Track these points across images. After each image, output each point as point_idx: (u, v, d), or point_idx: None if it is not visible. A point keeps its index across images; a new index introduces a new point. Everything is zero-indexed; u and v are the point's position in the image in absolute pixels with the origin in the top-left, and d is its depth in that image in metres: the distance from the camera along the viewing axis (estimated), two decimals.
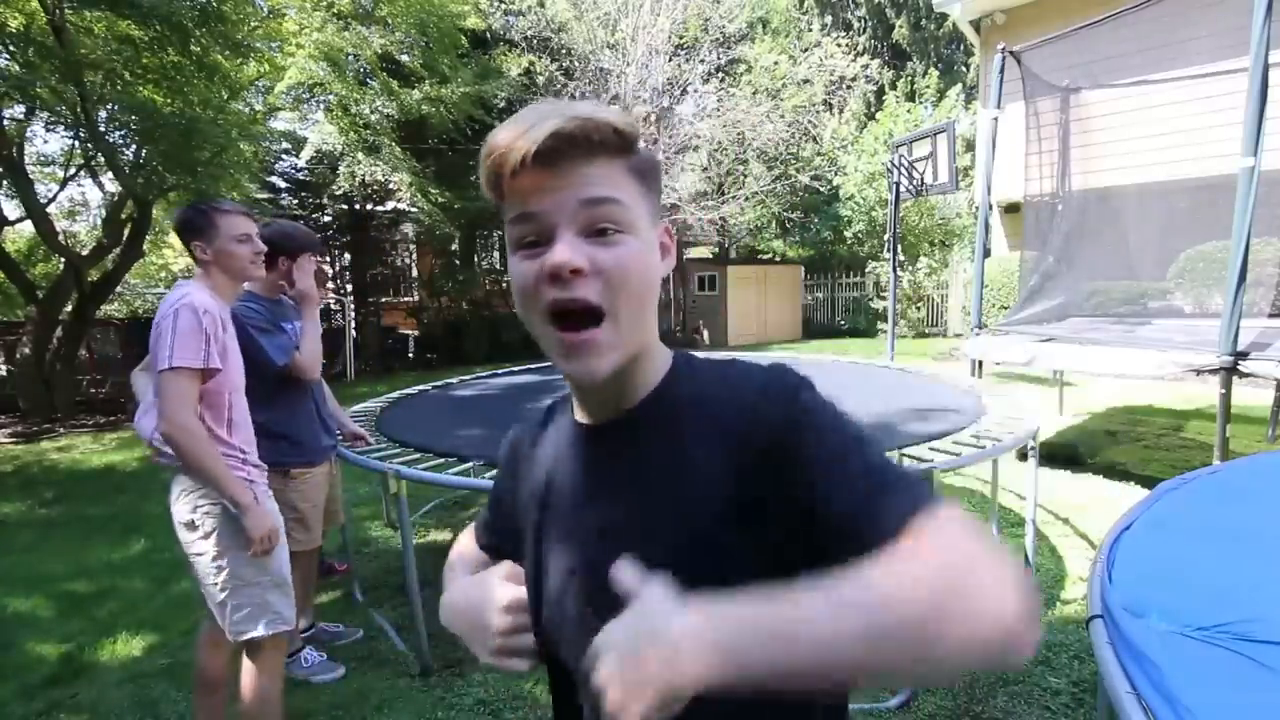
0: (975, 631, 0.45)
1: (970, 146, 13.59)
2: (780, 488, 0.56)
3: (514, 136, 0.56)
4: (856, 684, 0.51)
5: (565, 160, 0.57)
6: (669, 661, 0.45)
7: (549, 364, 4.81)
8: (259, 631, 1.87)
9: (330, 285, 12.61)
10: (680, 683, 0.45)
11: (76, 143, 8.59)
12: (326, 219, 12.57)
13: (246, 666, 1.93)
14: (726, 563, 0.57)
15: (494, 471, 2.43)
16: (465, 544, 0.92)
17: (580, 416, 0.69)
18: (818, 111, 13.28)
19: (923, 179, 7.37)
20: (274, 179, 11.80)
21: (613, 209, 0.58)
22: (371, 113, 9.75)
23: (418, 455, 2.73)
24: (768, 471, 0.57)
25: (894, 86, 17.59)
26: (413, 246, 13.97)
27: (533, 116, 0.56)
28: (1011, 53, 5.19)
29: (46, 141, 15.50)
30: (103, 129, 7.48)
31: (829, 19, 22.28)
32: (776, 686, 0.45)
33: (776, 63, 12.81)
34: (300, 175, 11.65)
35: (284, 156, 11.40)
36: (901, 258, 12.78)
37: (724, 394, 0.62)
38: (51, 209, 9.45)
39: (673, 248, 0.66)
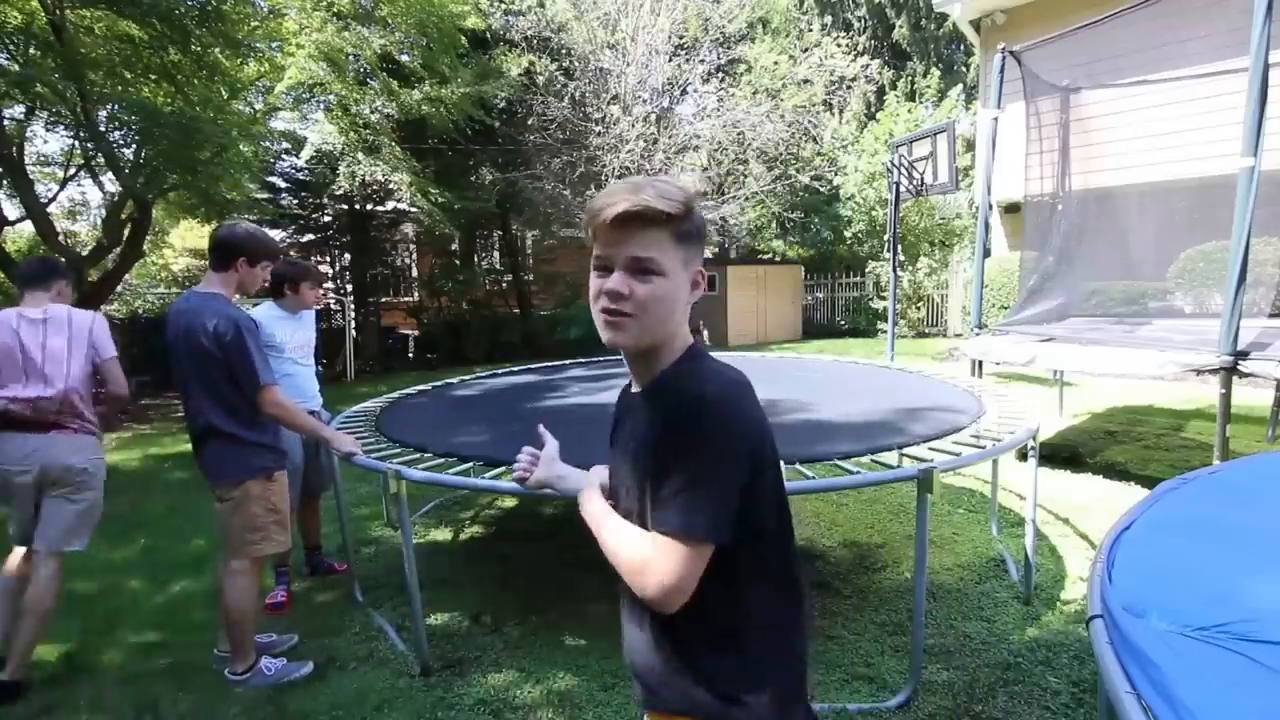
0: (632, 580, 0.93)
1: (970, 146, 13.59)
2: (656, 466, 0.93)
3: (604, 205, 0.92)
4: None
5: (630, 226, 0.92)
6: (583, 491, 1.12)
7: (549, 364, 4.84)
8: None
9: (330, 285, 12.62)
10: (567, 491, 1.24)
11: (76, 143, 8.58)
12: (326, 219, 12.57)
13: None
14: (644, 490, 0.97)
15: (494, 471, 2.44)
16: None
17: (632, 385, 1.08)
18: (818, 111, 13.27)
19: (923, 179, 7.37)
20: (274, 179, 11.78)
21: (651, 263, 0.93)
22: (371, 113, 9.74)
23: (418, 455, 2.73)
24: (659, 455, 0.92)
25: (894, 86, 17.61)
26: (413, 246, 13.97)
27: (619, 193, 0.92)
28: (1011, 53, 5.19)
29: (46, 141, 15.46)
30: (103, 129, 7.48)
31: (829, 19, 22.28)
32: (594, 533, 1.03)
33: (776, 63, 12.80)
34: (300, 175, 11.64)
35: (284, 156, 11.39)
36: (901, 258, 12.78)
37: (678, 392, 0.94)
38: (51, 209, 9.44)
39: (703, 283, 1.02)
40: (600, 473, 1.19)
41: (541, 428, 1.32)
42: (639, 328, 0.95)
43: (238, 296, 2.57)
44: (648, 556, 0.91)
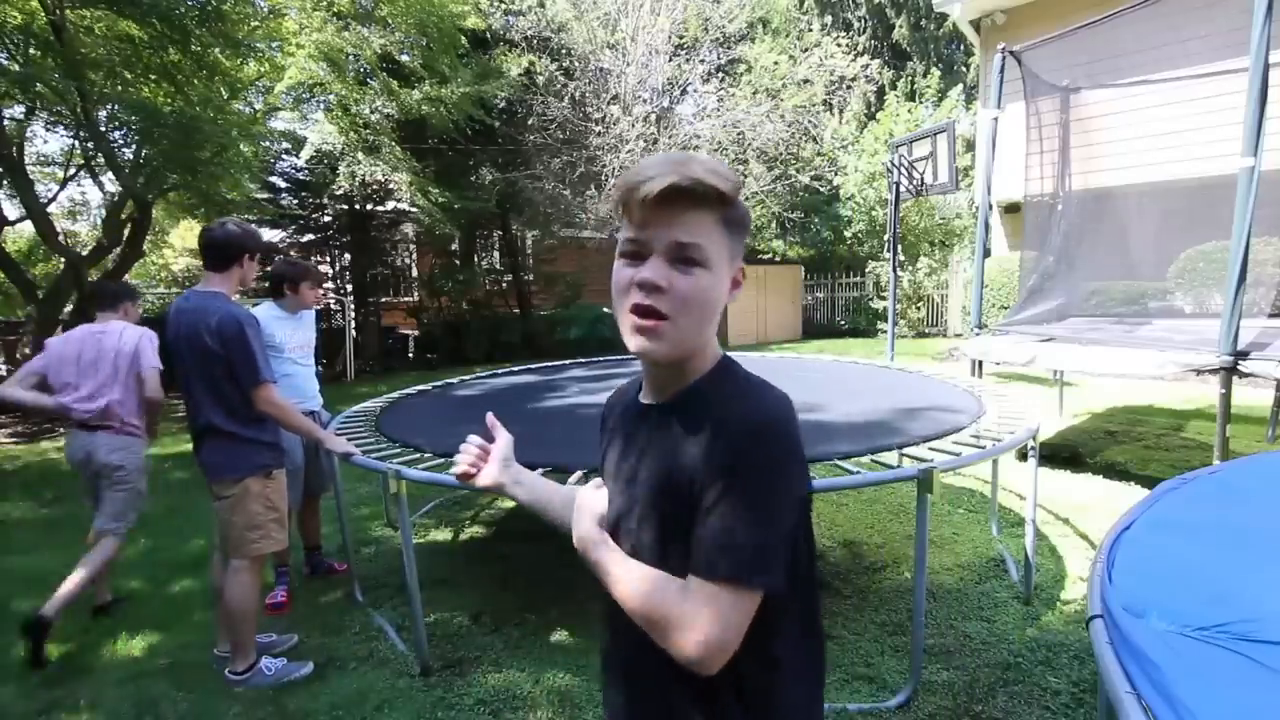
0: (665, 637, 0.77)
1: (970, 146, 13.59)
2: (701, 502, 0.78)
3: (645, 179, 0.76)
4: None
5: (675, 206, 0.77)
6: (576, 529, 0.91)
7: (549, 364, 4.83)
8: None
9: (330, 285, 12.62)
10: (574, 534, 0.92)
11: (76, 143, 8.59)
12: (326, 219, 12.57)
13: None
14: (669, 523, 0.82)
15: None
16: None
17: (643, 395, 0.92)
18: (818, 111, 13.27)
19: (923, 179, 7.37)
20: (274, 179, 11.78)
21: (696, 250, 0.78)
22: (371, 113, 9.74)
23: (418, 455, 2.73)
24: (705, 494, 0.77)
25: (894, 86, 17.61)
26: (413, 246, 13.96)
27: (663, 165, 0.76)
28: (1011, 53, 5.19)
29: (46, 141, 15.48)
30: (103, 128, 7.48)
31: (829, 19, 22.29)
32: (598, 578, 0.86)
33: (776, 63, 12.79)
34: (300, 175, 11.63)
35: (284, 156, 11.39)
36: (901, 258, 12.78)
37: (720, 412, 0.79)
38: (51, 209, 9.45)
39: (742, 282, 0.87)
40: (591, 499, 0.94)
41: (491, 418, 1.09)
42: (676, 334, 0.79)
43: (237, 295, 2.58)
44: (684, 609, 0.75)
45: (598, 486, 0.96)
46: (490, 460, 1.04)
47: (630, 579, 0.81)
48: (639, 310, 0.79)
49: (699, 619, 0.74)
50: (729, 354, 0.88)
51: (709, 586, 0.74)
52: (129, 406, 3.03)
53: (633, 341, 0.80)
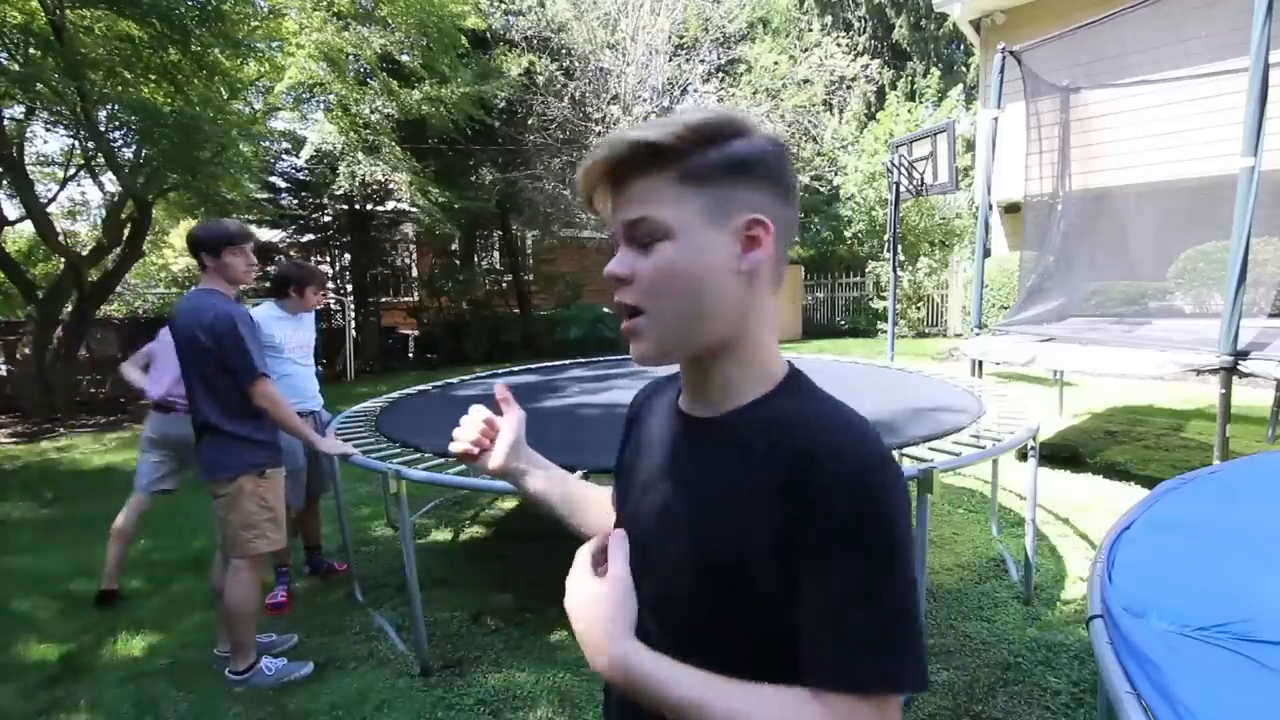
0: None
1: (970, 146, 13.59)
2: (796, 570, 0.58)
3: (582, 172, 0.66)
4: None
5: (623, 183, 0.65)
6: (591, 649, 0.64)
7: (549, 364, 4.82)
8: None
9: (330, 285, 12.62)
10: (589, 656, 0.64)
11: (76, 143, 8.58)
12: (326, 219, 12.57)
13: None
14: (729, 588, 0.62)
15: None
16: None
17: (683, 402, 0.74)
18: (818, 111, 13.27)
19: (923, 179, 7.36)
20: (274, 179, 11.79)
21: (646, 225, 0.64)
22: (371, 113, 9.74)
23: (418, 455, 2.73)
24: (799, 550, 0.58)
25: (894, 86, 17.58)
26: (413, 246, 13.96)
27: (597, 147, 0.64)
28: (1011, 53, 5.19)
29: (46, 141, 15.48)
30: (103, 128, 7.48)
31: (829, 19, 22.29)
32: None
33: (776, 63, 12.79)
34: (300, 175, 11.64)
35: (284, 156, 11.39)
36: (901, 258, 12.77)
37: (811, 449, 0.59)
38: (51, 209, 9.45)
39: (764, 238, 0.64)
40: (616, 594, 0.66)
41: (502, 389, 0.88)
42: (656, 327, 0.65)
43: (233, 293, 2.58)
44: None
45: (616, 584, 0.67)
46: (499, 441, 0.86)
47: (720, 701, 0.57)
48: (618, 311, 0.67)
49: None
50: (797, 368, 0.71)
51: (843, 701, 0.54)
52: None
53: (631, 350, 0.68)
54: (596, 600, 0.65)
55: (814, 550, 0.57)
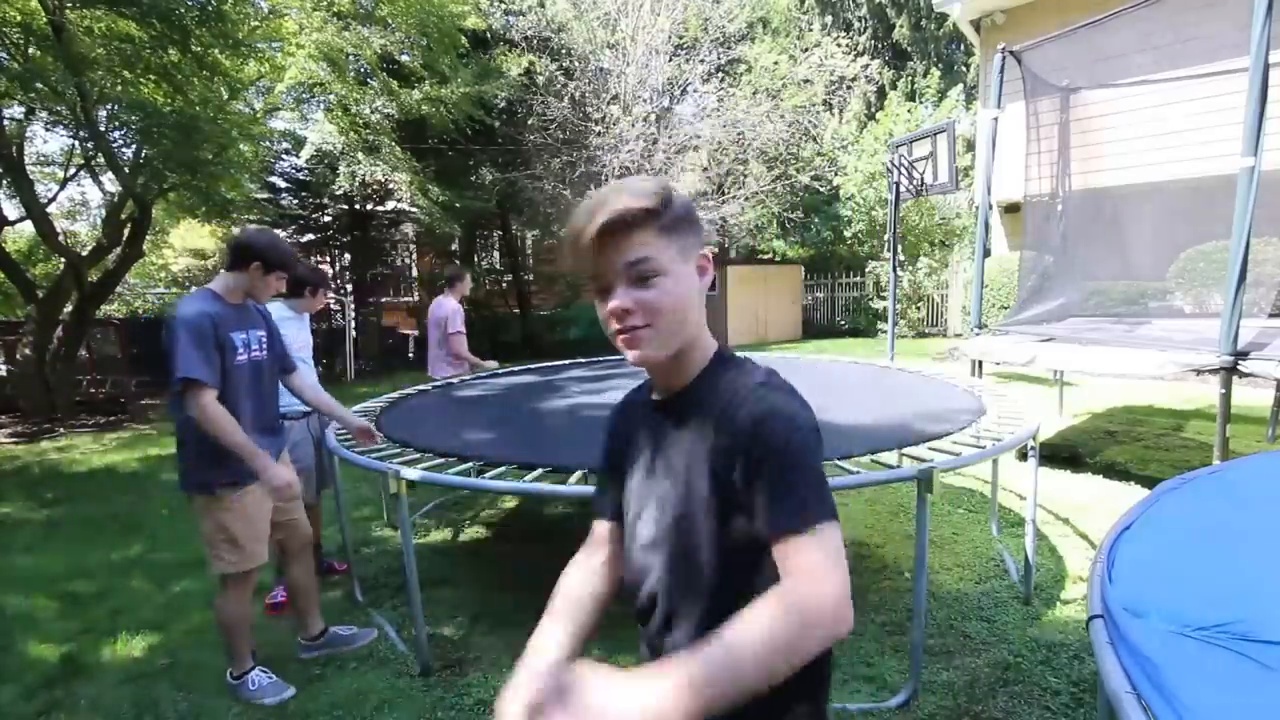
0: (813, 647, 0.71)
1: (970, 146, 13.59)
2: (745, 482, 0.83)
3: (581, 227, 0.86)
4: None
5: (614, 236, 0.86)
6: None
7: (549, 364, 4.82)
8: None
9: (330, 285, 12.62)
10: None
11: (76, 143, 8.59)
12: (326, 219, 12.57)
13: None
14: (708, 514, 0.87)
15: (496, 471, 2.44)
16: (568, 581, 1.14)
17: (655, 394, 0.99)
18: (818, 111, 13.27)
19: (923, 179, 7.36)
20: (274, 179, 11.80)
21: (646, 264, 0.86)
22: (371, 113, 9.75)
23: (418, 455, 2.73)
24: (744, 471, 0.83)
25: (894, 86, 17.61)
26: (413, 246, 13.98)
27: (590, 210, 0.86)
28: (1011, 52, 5.19)
29: (46, 141, 15.52)
30: (103, 128, 7.48)
31: (829, 19, 22.29)
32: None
33: (776, 63, 12.79)
34: (300, 175, 11.65)
35: (284, 156, 11.40)
36: (901, 258, 12.78)
37: (736, 401, 0.86)
38: (51, 209, 9.45)
39: (709, 267, 0.94)
40: (608, 686, 0.67)
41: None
42: (659, 335, 0.88)
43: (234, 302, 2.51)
44: (799, 588, 0.73)
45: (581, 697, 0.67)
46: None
47: (745, 638, 0.69)
48: (621, 333, 0.89)
49: (818, 572, 0.74)
50: (726, 347, 0.96)
51: (804, 541, 0.76)
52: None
53: (630, 355, 0.90)
54: (598, 715, 0.66)
55: (747, 449, 0.82)
